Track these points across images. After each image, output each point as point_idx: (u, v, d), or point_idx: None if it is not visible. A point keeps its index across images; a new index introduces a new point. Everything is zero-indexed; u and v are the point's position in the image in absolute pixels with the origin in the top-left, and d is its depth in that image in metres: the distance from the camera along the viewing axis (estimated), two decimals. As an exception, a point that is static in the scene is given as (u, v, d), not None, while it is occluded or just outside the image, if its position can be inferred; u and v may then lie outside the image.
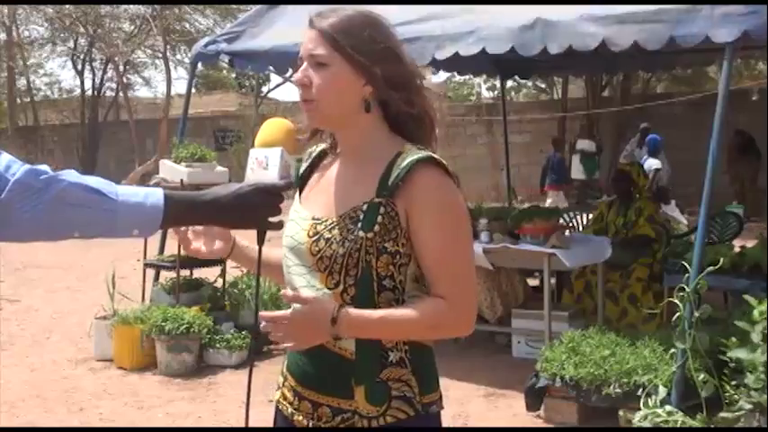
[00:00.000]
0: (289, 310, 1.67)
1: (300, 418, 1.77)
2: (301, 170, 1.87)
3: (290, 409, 1.79)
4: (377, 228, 1.68)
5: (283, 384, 1.83)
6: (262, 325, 1.65)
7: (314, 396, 1.74)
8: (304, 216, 1.77)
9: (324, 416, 1.73)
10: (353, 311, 1.66)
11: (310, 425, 1.75)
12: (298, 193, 1.86)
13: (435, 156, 1.71)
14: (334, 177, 1.78)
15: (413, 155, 1.70)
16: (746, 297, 4.12)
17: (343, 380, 1.70)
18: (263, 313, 1.66)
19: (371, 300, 1.69)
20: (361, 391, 1.69)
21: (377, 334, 1.69)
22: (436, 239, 1.68)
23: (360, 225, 1.68)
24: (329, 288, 1.71)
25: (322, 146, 1.87)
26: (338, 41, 1.71)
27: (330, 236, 1.71)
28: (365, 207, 1.70)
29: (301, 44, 1.76)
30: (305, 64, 1.74)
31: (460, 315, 1.71)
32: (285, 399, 1.81)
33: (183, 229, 1.83)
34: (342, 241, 1.69)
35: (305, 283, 1.74)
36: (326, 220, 1.73)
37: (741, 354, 3.98)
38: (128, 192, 1.58)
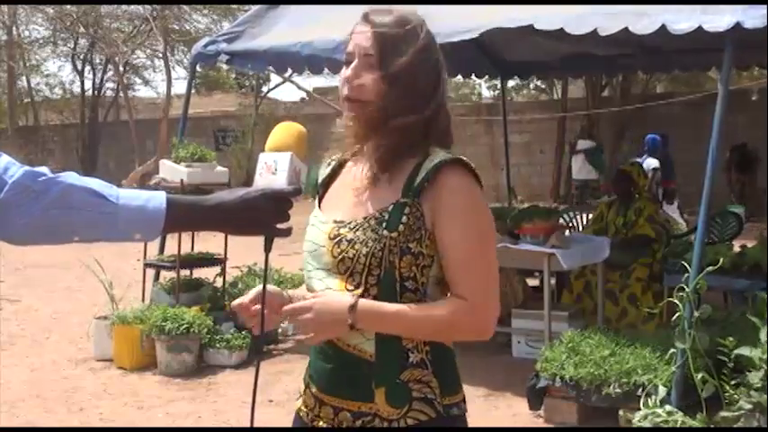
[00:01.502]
0: (306, 301, 1.67)
1: (322, 423, 1.76)
2: (321, 177, 1.85)
3: (310, 416, 1.79)
4: (401, 227, 1.67)
5: (305, 392, 1.82)
6: (283, 324, 1.66)
7: (335, 401, 1.73)
8: (324, 220, 1.76)
9: (344, 420, 1.72)
10: (371, 301, 1.66)
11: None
12: (317, 199, 1.85)
13: (463, 158, 1.71)
14: (357, 181, 1.76)
15: (439, 156, 1.70)
16: (759, 294, 4.12)
17: (364, 383, 1.69)
18: (287, 307, 1.67)
19: (394, 301, 1.68)
20: (381, 393, 1.67)
21: (393, 328, 1.68)
22: (461, 241, 1.67)
23: (384, 225, 1.67)
24: (348, 290, 1.70)
25: (344, 154, 1.85)
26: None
27: (353, 237, 1.70)
28: (391, 207, 1.69)
29: (350, 36, 1.74)
30: (357, 61, 1.71)
31: (480, 318, 1.70)
32: (306, 406, 1.80)
33: (253, 308, 1.76)
34: (365, 241, 1.68)
35: (323, 287, 1.73)
36: (350, 223, 1.72)
37: (744, 351, 3.97)
38: (129, 195, 1.54)
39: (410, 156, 1.72)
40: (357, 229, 1.70)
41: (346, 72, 1.71)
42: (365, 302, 1.66)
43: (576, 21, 4.77)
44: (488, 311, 1.70)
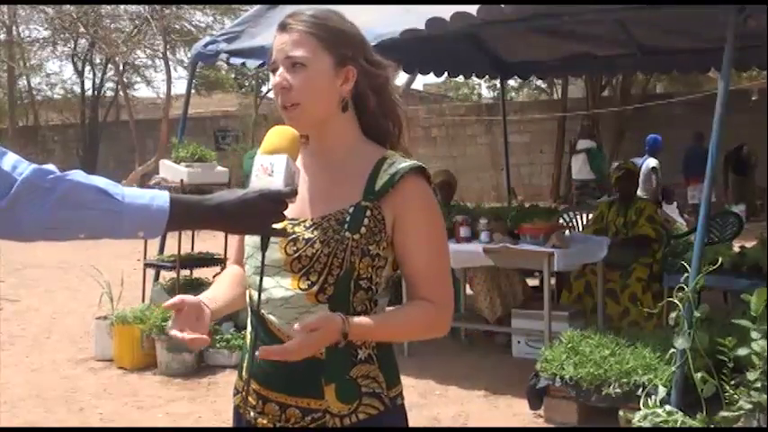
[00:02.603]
0: (294, 341, 1.62)
1: (265, 421, 1.76)
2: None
3: (252, 413, 1.78)
4: (363, 230, 1.71)
5: (244, 389, 1.81)
6: (259, 354, 1.63)
7: (281, 398, 1.74)
8: None
9: (293, 417, 1.73)
10: (358, 321, 1.68)
11: (277, 427, 1.76)
12: None
13: (424, 166, 1.76)
14: (306, 180, 1.77)
15: (402, 162, 1.75)
16: (744, 296, 4.12)
17: (313, 380, 1.71)
18: (270, 352, 1.61)
19: (346, 299, 1.71)
20: (331, 390, 1.71)
21: (378, 339, 1.75)
22: (427, 248, 1.75)
23: (346, 226, 1.71)
24: (301, 289, 1.71)
25: None
26: (326, 39, 1.74)
27: (312, 236, 1.71)
28: (351, 209, 1.72)
29: (272, 49, 1.77)
30: (281, 68, 1.74)
31: (446, 317, 1.78)
32: (247, 403, 1.80)
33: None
34: (327, 241, 1.70)
35: (274, 284, 1.74)
36: (304, 221, 1.74)
37: (742, 352, 3.97)
38: (134, 193, 1.58)
39: (359, 155, 1.78)
40: (315, 229, 1.72)
41: (276, 80, 1.73)
42: (355, 325, 1.66)
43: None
44: (450, 311, 1.79)
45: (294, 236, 1.73)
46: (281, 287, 1.73)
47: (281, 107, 1.75)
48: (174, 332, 1.68)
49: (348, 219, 1.71)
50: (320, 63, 1.73)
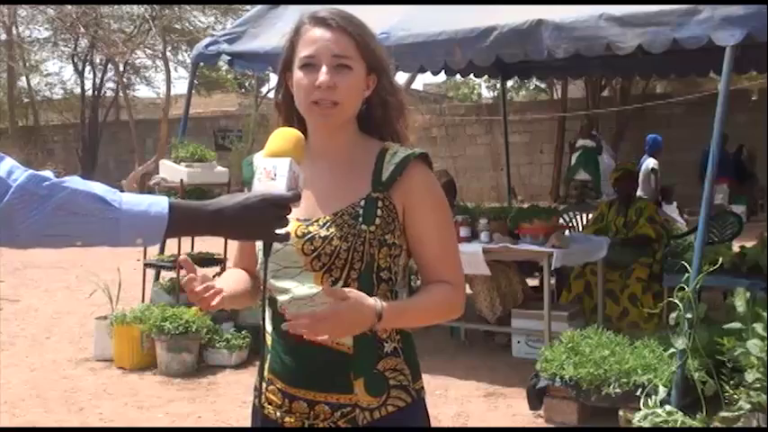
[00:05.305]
0: (323, 308, 1.63)
1: (293, 419, 1.77)
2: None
3: (278, 413, 1.78)
4: (378, 221, 1.73)
5: (267, 389, 1.80)
6: (286, 323, 1.61)
7: (310, 395, 1.75)
8: None
9: (322, 413, 1.74)
10: (391, 304, 1.70)
11: (306, 425, 1.76)
12: None
13: (426, 152, 1.80)
14: (311, 180, 1.76)
15: (404, 151, 1.78)
16: (728, 300, 4.12)
17: (342, 375, 1.72)
18: (297, 314, 1.62)
19: (371, 292, 1.71)
20: (360, 384, 1.73)
21: (408, 322, 1.78)
22: (439, 233, 1.79)
23: (360, 220, 1.73)
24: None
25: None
26: (363, 44, 1.76)
27: (328, 233, 1.72)
28: (362, 202, 1.74)
29: (302, 38, 1.76)
30: (324, 66, 1.72)
31: (462, 297, 1.84)
32: (271, 403, 1.80)
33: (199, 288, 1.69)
34: (344, 236, 1.72)
35: (296, 284, 1.74)
36: (317, 220, 1.75)
37: (740, 351, 3.97)
38: (132, 200, 1.55)
39: (361, 152, 1.80)
40: (329, 226, 1.73)
41: (325, 78, 1.71)
42: (388, 306, 1.68)
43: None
44: (464, 290, 1.87)
45: (310, 235, 1.73)
46: (304, 286, 1.74)
47: (314, 102, 1.73)
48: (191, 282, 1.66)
49: (361, 212, 1.74)
50: (360, 68, 1.76)
